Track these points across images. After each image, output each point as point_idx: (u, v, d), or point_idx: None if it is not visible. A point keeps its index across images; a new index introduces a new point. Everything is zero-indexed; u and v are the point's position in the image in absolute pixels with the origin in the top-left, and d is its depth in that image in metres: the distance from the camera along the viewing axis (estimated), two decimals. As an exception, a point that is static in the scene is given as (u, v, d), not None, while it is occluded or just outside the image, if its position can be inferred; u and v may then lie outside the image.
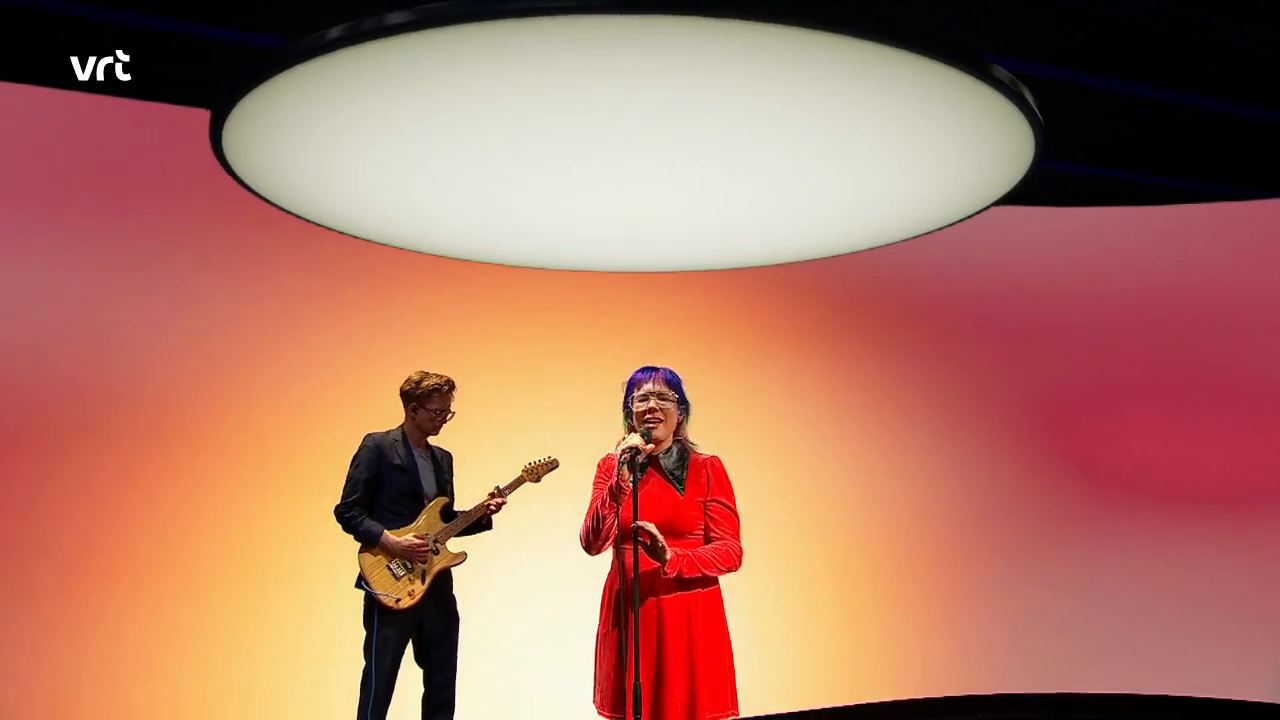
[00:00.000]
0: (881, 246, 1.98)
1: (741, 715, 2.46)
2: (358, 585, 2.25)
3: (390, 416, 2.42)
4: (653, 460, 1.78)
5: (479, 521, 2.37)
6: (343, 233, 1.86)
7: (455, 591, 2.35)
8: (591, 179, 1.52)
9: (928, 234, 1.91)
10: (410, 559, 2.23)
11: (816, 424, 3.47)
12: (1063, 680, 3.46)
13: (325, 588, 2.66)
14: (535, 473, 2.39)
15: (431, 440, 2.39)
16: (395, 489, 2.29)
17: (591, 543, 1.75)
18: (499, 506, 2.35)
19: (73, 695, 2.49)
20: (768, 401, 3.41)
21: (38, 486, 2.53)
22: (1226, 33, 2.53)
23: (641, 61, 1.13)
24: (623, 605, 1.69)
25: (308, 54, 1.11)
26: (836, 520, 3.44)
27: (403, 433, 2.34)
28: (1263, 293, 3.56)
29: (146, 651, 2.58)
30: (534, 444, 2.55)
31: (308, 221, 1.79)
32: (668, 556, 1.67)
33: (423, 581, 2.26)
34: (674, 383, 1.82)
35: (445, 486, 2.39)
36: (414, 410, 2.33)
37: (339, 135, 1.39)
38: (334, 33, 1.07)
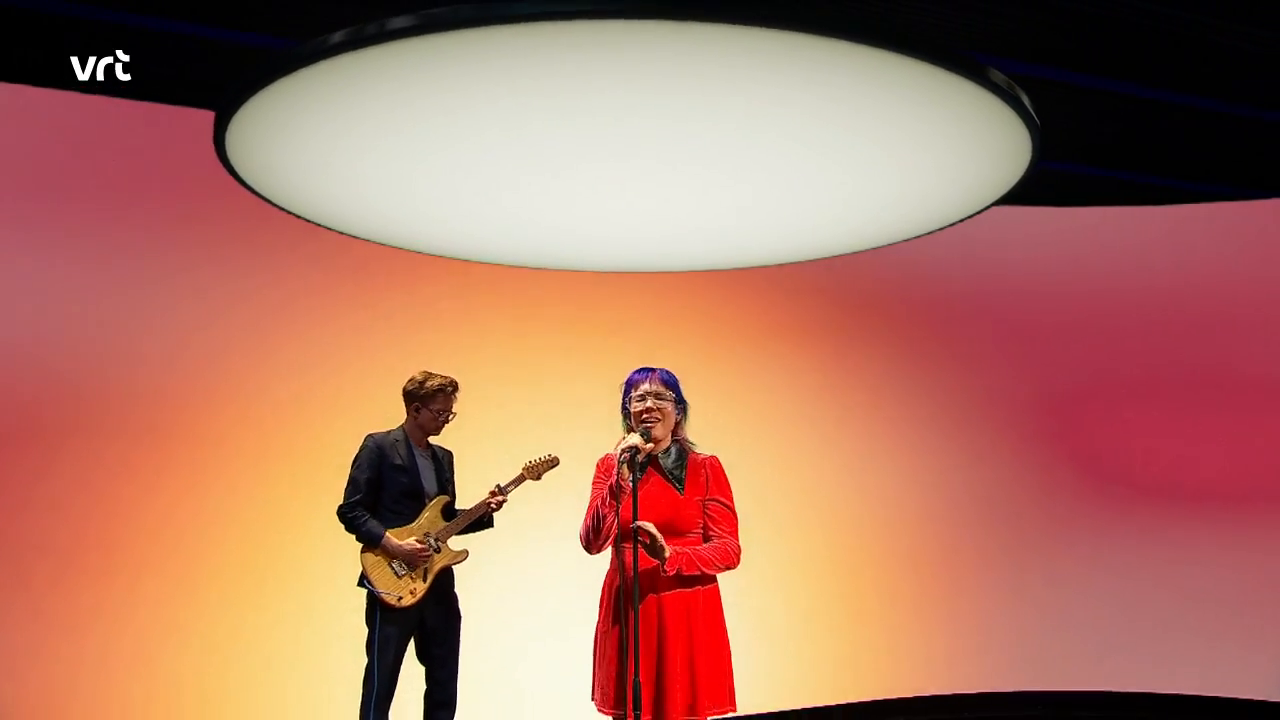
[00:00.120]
0: (882, 247, 1.99)
1: (747, 712, 2.47)
2: (360, 584, 2.26)
3: (389, 411, 2.42)
4: (652, 460, 1.79)
5: (480, 519, 2.38)
6: (344, 233, 1.87)
7: (457, 589, 2.36)
8: (595, 181, 1.53)
9: (928, 234, 1.92)
10: (411, 562, 2.24)
11: (819, 423, 3.47)
12: (1064, 679, 3.47)
13: (324, 583, 2.66)
14: (535, 470, 2.40)
15: (432, 439, 2.40)
16: (396, 489, 2.31)
17: (592, 542, 1.77)
18: (500, 505, 2.36)
19: (69, 691, 2.48)
20: (771, 401, 3.41)
21: (33, 482, 2.52)
22: (1223, 33, 2.54)
23: (643, 66, 1.14)
24: (623, 603, 1.70)
25: (311, 58, 1.11)
26: (839, 518, 3.44)
27: (403, 432, 2.36)
28: (1262, 291, 3.57)
29: (143, 647, 2.57)
30: (534, 441, 2.56)
31: (309, 222, 1.80)
32: (667, 555, 1.69)
33: (424, 580, 2.28)
34: (671, 383, 1.83)
35: (446, 485, 2.40)
36: (416, 410, 2.34)
37: (341, 137, 1.40)
38: (336, 37, 1.08)
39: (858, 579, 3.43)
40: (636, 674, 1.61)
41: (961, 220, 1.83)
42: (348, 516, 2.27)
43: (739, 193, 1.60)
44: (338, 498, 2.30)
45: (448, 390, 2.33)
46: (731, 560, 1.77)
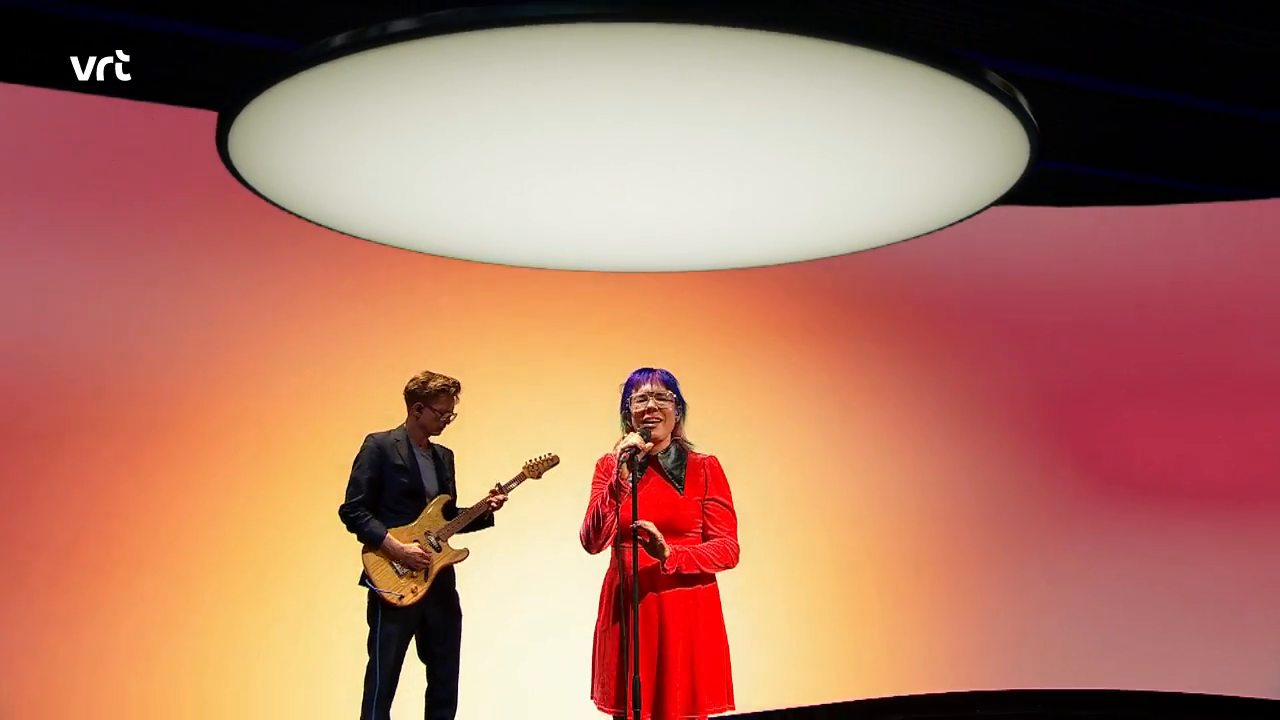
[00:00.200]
0: (880, 247, 2.00)
1: (751, 710, 2.48)
2: (362, 582, 2.27)
3: (389, 407, 2.42)
4: (651, 460, 1.80)
5: (481, 518, 2.39)
6: (346, 233, 1.88)
7: (457, 587, 2.37)
8: (597, 182, 1.54)
9: (928, 234, 1.93)
10: (410, 566, 2.25)
11: (822, 422, 3.47)
12: (1065, 677, 3.48)
13: (323, 580, 2.66)
14: (536, 469, 2.41)
15: (432, 438, 2.41)
16: (397, 488, 2.31)
17: (592, 541, 1.78)
18: (500, 503, 2.37)
19: (66, 688, 2.47)
20: (773, 400, 3.41)
21: (31, 479, 2.52)
22: (1221, 34, 2.55)
23: (644, 68, 1.15)
24: (623, 602, 1.71)
25: (313, 60, 1.12)
26: (841, 517, 3.45)
27: (404, 432, 2.36)
28: (1261, 290, 3.58)
29: (141, 644, 2.56)
30: (534, 438, 2.56)
31: (311, 222, 1.80)
32: (666, 554, 1.70)
33: (426, 578, 2.29)
34: (671, 383, 1.84)
35: (447, 484, 2.41)
36: (419, 410, 2.35)
37: (343, 138, 1.41)
38: (338, 40, 1.08)
39: (859, 577, 3.43)
40: (636, 672, 1.62)
41: (960, 221, 1.84)
42: (350, 516, 2.28)
43: (739, 194, 1.61)
44: (337, 494, 2.31)
45: (450, 391, 2.34)
46: (730, 559, 1.78)
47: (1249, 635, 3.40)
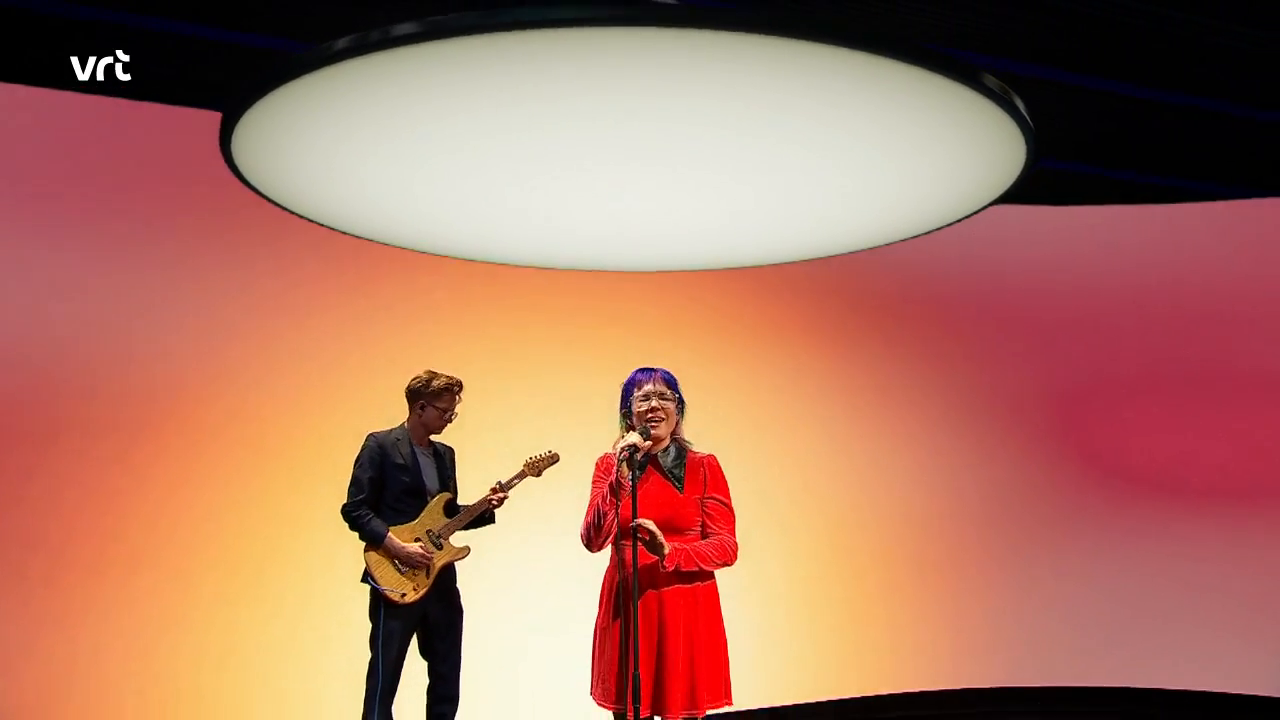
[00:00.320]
0: (878, 247, 2.01)
1: (755, 707, 2.48)
2: (364, 580, 2.29)
3: (388, 403, 2.43)
4: (651, 458, 1.82)
5: (482, 516, 2.40)
6: (347, 233, 1.88)
7: (459, 584, 2.39)
8: (597, 183, 1.55)
9: (926, 234, 1.94)
10: (412, 566, 2.26)
11: (825, 420, 3.47)
12: (1068, 674, 3.49)
13: (321, 576, 2.66)
14: (536, 467, 2.43)
15: (433, 436, 2.42)
16: (398, 487, 2.33)
17: (592, 539, 1.79)
18: (501, 501, 2.39)
19: (63, 688, 2.46)
20: (777, 399, 3.41)
21: (26, 477, 2.51)
22: (1220, 34, 2.56)
23: (644, 71, 1.16)
24: (623, 599, 1.73)
25: (316, 64, 1.13)
26: (844, 515, 3.46)
27: (405, 431, 2.38)
28: (1261, 288, 3.59)
29: (138, 642, 2.54)
30: (533, 435, 2.57)
31: (313, 222, 1.81)
32: (666, 552, 1.71)
33: (427, 576, 2.30)
34: (672, 383, 1.86)
35: (448, 482, 2.42)
36: (421, 408, 2.36)
37: (344, 140, 1.41)
38: (340, 44, 1.09)
39: (862, 575, 3.44)
40: (636, 669, 1.64)
41: (958, 221, 1.85)
42: (352, 515, 2.30)
43: (738, 194, 1.62)
44: (334, 490, 2.33)
45: (453, 390, 2.36)
46: (729, 557, 1.79)
47: (1252, 632, 3.41)
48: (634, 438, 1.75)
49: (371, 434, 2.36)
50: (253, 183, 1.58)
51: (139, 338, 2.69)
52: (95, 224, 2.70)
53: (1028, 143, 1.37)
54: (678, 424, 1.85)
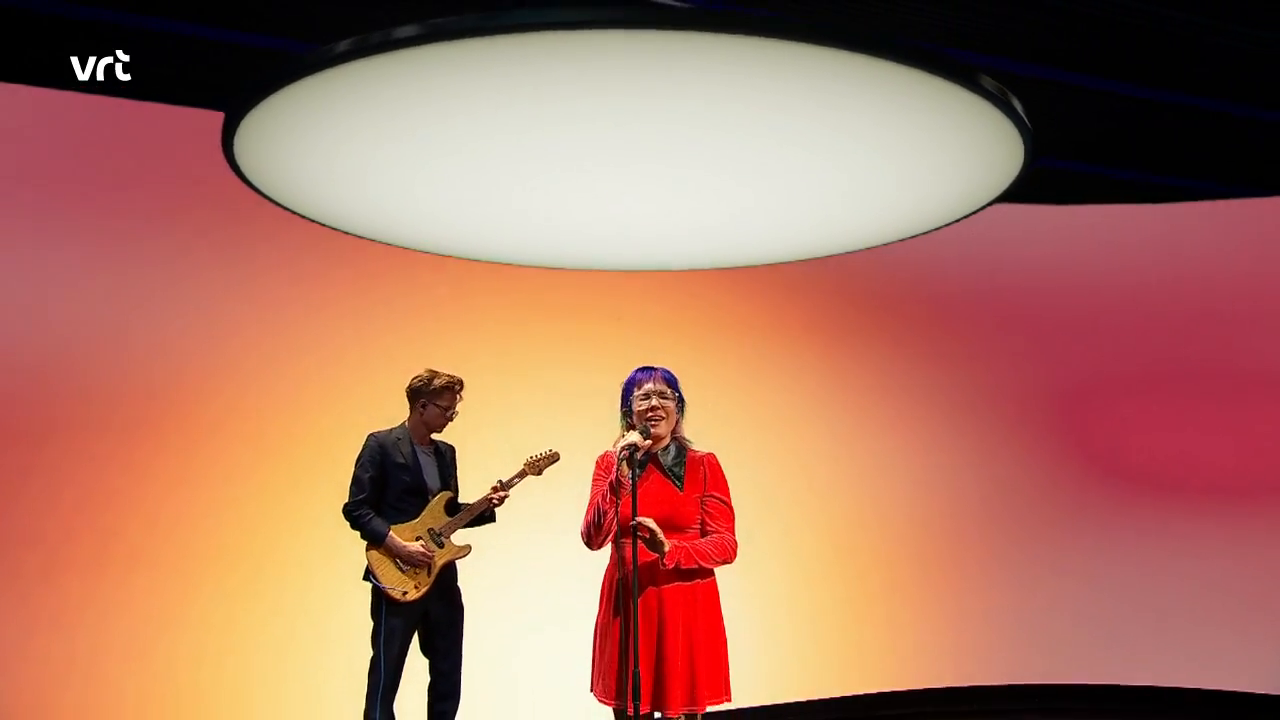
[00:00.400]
0: (876, 247, 2.01)
1: (759, 704, 2.48)
2: (365, 578, 2.30)
3: (387, 399, 2.43)
4: (652, 457, 1.83)
5: (482, 514, 2.41)
6: (349, 233, 1.89)
7: (459, 582, 2.40)
8: (600, 184, 1.56)
9: (924, 234, 1.95)
10: (413, 564, 2.27)
11: (828, 418, 3.47)
12: (1068, 672, 3.49)
13: (321, 573, 2.66)
14: (537, 466, 2.44)
15: (434, 435, 2.43)
16: (400, 486, 2.34)
17: (593, 538, 1.80)
18: (502, 500, 2.40)
19: (61, 686, 2.45)
20: (779, 397, 3.41)
21: (23, 474, 2.50)
22: (1219, 33, 2.56)
23: (646, 74, 1.16)
24: (623, 596, 1.74)
25: (318, 66, 1.13)
26: (847, 512, 3.46)
27: (405, 430, 2.38)
28: (1261, 287, 3.60)
29: (137, 640, 2.53)
30: (533, 431, 2.57)
31: (315, 222, 1.82)
32: (666, 549, 1.72)
33: (429, 574, 2.32)
34: (672, 382, 1.87)
35: (449, 481, 2.43)
36: (423, 407, 2.37)
37: (347, 141, 1.42)
38: (342, 46, 1.10)
39: (864, 573, 3.44)
40: (636, 665, 1.65)
41: (957, 220, 1.86)
42: (353, 515, 2.31)
43: (739, 195, 1.63)
44: (334, 486, 2.33)
45: (454, 388, 2.37)
46: (728, 554, 1.81)
47: (1252, 630, 3.41)
48: (634, 437, 1.76)
49: (372, 434, 2.37)
50: (254, 183, 1.58)
51: (137, 335, 2.69)
52: (94, 223, 2.70)
53: (1025, 143, 1.38)
54: (678, 423, 1.87)
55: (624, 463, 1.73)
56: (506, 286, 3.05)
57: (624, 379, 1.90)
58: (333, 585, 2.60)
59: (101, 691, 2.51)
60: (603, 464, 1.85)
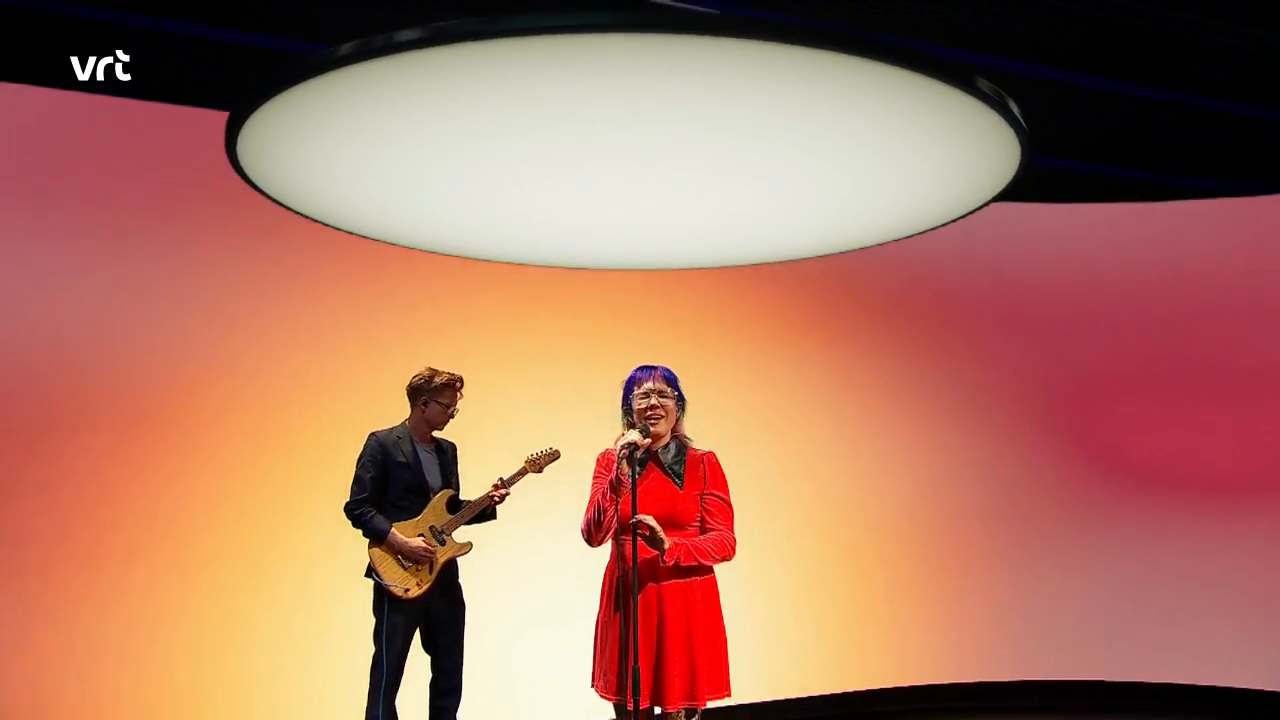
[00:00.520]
0: (873, 246, 2.02)
1: (760, 700, 2.48)
2: (367, 575, 2.31)
3: (386, 394, 2.43)
4: (652, 455, 1.84)
5: (484, 512, 2.43)
6: (350, 233, 1.90)
7: (460, 580, 2.42)
8: (603, 184, 1.56)
9: (923, 233, 1.96)
10: (415, 560, 2.29)
11: (832, 416, 3.47)
12: (1071, 669, 3.50)
13: (319, 567, 2.66)
14: (537, 463, 2.45)
15: (435, 432, 2.44)
16: (401, 484, 2.35)
17: (593, 535, 1.82)
18: (503, 497, 2.41)
19: (58, 682, 2.44)
20: (782, 395, 3.40)
21: (19, 469, 2.49)
22: (1219, 33, 2.56)
23: (645, 76, 1.17)
24: (623, 593, 1.75)
25: (321, 68, 1.14)
26: (850, 511, 3.46)
27: (406, 429, 2.39)
28: (1262, 285, 3.58)
29: (135, 635, 2.52)
30: (533, 427, 2.58)
31: (316, 222, 1.82)
32: (666, 546, 1.74)
33: (430, 571, 2.33)
34: (672, 380, 1.88)
35: (450, 479, 2.44)
36: (424, 404, 2.38)
37: (346, 144, 1.43)
38: (345, 49, 1.11)
39: (867, 571, 3.45)
40: (636, 661, 1.66)
41: (957, 219, 1.87)
42: (354, 513, 2.32)
43: (739, 196, 1.64)
44: (333, 481, 2.34)
45: (455, 385, 2.38)
46: (727, 552, 1.82)
47: (1254, 626, 3.41)
48: (634, 435, 1.77)
49: (373, 433, 2.38)
50: (257, 183, 1.59)
51: (134, 330, 2.68)
52: (94, 220, 2.69)
53: (1022, 144, 1.39)
54: (678, 421, 1.88)
55: (624, 461, 1.74)
56: (507, 279, 3.02)
57: (624, 376, 1.91)
58: (332, 580, 2.60)
59: (99, 687, 2.51)
60: (603, 462, 1.86)
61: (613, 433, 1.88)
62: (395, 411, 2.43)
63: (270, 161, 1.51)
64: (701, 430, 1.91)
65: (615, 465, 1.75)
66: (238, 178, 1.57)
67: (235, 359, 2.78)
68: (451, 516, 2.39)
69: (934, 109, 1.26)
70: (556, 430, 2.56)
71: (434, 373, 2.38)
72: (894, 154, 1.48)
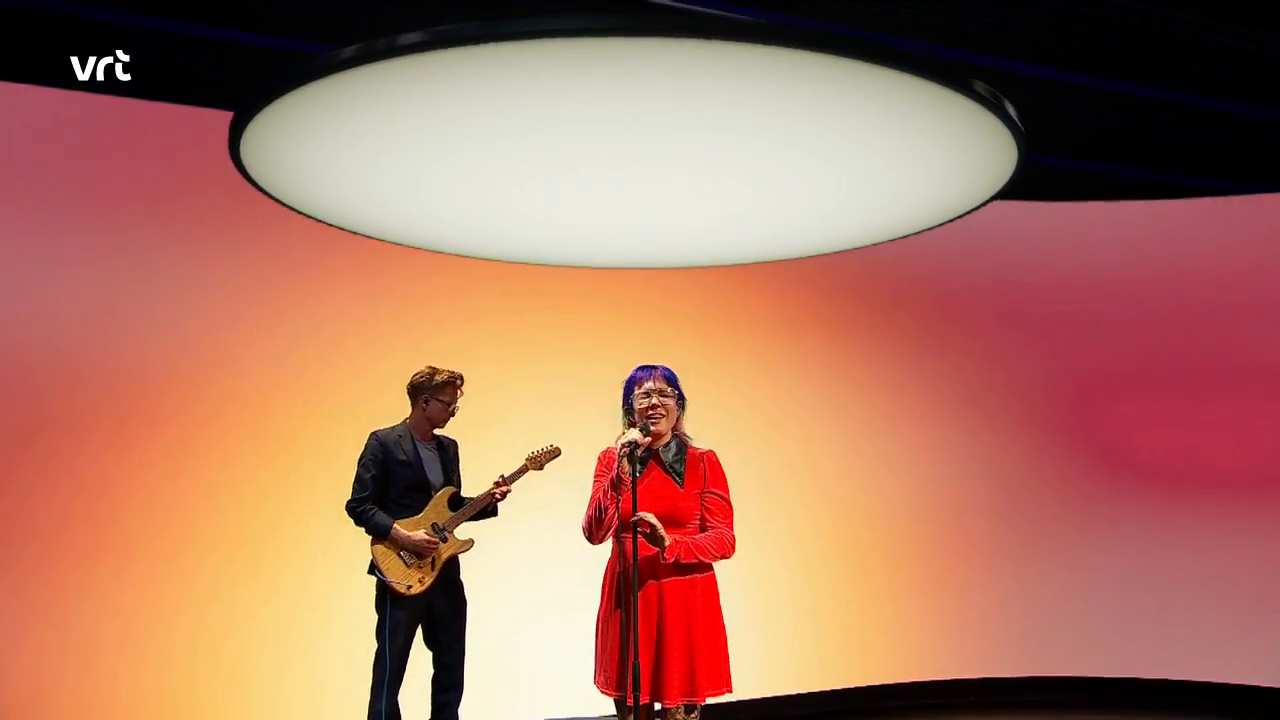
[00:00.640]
0: (871, 245, 2.03)
1: (762, 695, 2.49)
2: (370, 572, 2.33)
3: (384, 389, 2.43)
4: (653, 453, 1.85)
5: (485, 509, 2.44)
6: (351, 232, 1.91)
7: (462, 576, 2.43)
8: (606, 185, 1.57)
9: (922, 232, 1.97)
10: (419, 553, 2.30)
11: (836, 414, 3.47)
12: (1072, 664, 3.51)
13: (318, 561, 2.66)
14: (538, 461, 2.46)
15: (436, 430, 2.45)
16: (402, 483, 2.36)
17: (594, 532, 1.83)
18: (504, 495, 2.42)
19: (55, 677, 2.43)
20: (784, 394, 3.41)
21: (15, 465, 2.49)
22: (1219, 33, 2.56)
23: (646, 77, 1.18)
24: (624, 590, 1.77)
25: (325, 71, 1.15)
26: (853, 508, 3.47)
27: (407, 427, 2.41)
28: (1262, 283, 3.58)
29: (133, 630, 2.52)
30: (533, 424, 2.59)
31: (318, 221, 1.83)
32: (666, 544, 1.75)
33: (433, 568, 2.35)
34: (672, 380, 1.89)
35: (452, 476, 2.46)
36: (425, 402, 2.39)
37: (347, 146, 1.44)
38: (348, 52, 1.11)
39: (868, 569, 3.46)
40: (636, 657, 1.68)
41: (956, 218, 1.87)
42: (356, 511, 2.34)
43: (740, 196, 1.65)
44: (331, 475, 2.35)
45: (456, 383, 2.39)
46: (727, 550, 1.83)
47: (1255, 623, 3.42)
48: (634, 434, 1.78)
49: (374, 432, 2.40)
50: (260, 184, 1.60)
51: (132, 324, 2.68)
52: (93, 218, 2.69)
53: (1018, 144, 1.40)
54: (678, 419, 1.89)
55: (625, 459, 1.75)
56: (507, 275, 3.01)
57: (625, 372, 1.92)
58: (332, 574, 2.61)
59: (97, 682, 2.51)
60: (604, 460, 1.88)
61: (613, 430, 1.89)
62: (394, 406, 2.44)
63: (273, 163, 1.52)
64: (704, 427, 1.93)
65: (616, 464, 1.76)
66: (237, 175, 1.58)
67: (234, 353, 2.79)
68: (453, 514, 2.40)
69: (932, 111, 1.27)
70: (557, 427, 2.57)
71: (434, 371, 2.40)
72: (893, 154, 1.49)
